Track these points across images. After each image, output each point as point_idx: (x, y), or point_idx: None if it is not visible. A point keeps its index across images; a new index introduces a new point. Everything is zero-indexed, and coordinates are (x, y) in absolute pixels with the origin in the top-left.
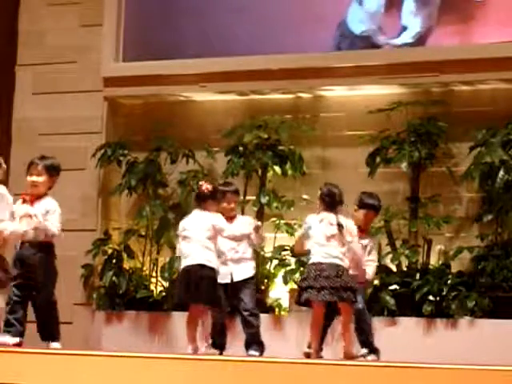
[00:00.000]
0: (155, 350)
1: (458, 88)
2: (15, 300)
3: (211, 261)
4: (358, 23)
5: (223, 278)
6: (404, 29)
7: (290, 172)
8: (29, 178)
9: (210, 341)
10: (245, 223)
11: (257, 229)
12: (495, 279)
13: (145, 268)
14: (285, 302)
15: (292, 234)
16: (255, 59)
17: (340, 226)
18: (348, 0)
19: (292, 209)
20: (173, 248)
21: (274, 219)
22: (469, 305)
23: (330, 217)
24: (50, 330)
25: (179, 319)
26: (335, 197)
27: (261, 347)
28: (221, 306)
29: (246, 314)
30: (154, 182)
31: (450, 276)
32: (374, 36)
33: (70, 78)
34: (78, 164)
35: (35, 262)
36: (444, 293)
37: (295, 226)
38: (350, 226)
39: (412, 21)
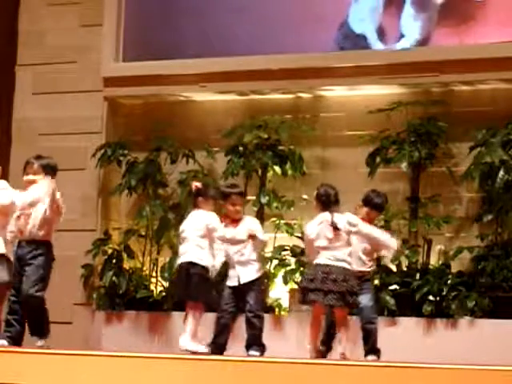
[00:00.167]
0: (155, 350)
1: (458, 88)
2: (13, 300)
3: (202, 259)
4: (359, 22)
5: (232, 281)
6: (402, 36)
7: (290, 172)
8: (25, 178)
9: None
10: (243, 228)
11: (251, 237)
12: (495, 279)
13: (145, 268)
14: (285, 302)
15: (292, 234)
16: (255, 59)
17: (335, 227)
18: (348, 0)
19: (292, 209)
20: (173, 248)
21: (273, 219)
22: (469, 305)
23: (327, 217)
24: (31, 324)
25: (179, 319)
26: (331, 197)
27: (261, 348)
28: (210, 303)
29: (250, 315)
30: (154, 181)
31: (449, 276)
32: (374, 43)
33: (70, 78)
34: (78, 164)
35: (31, 257)
36: (444, 293)
37: (295, 226)
38: (349, 218)
39: (411, 27)
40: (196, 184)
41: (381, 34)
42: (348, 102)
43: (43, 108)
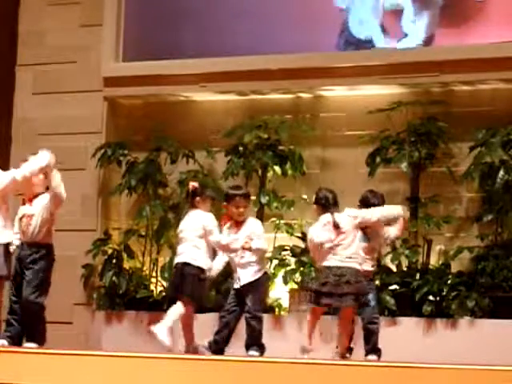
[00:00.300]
0: (155, 350)
1: (458, 88)
2: (14, 300)
3: (197, 259)
4: (359, 25)
5: (235, 283)
6: (404, 36)
7: (290, 172)
8: None
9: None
10: (245, 233)
11: (246, 249)
12: (495, 279)
13: (145, 268)
14: (285, 302)
15: (292, 234)
16: (255, 59)
17: (337, 227)
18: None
19: (292, 209)
20: (172, 248)
21: (273, 219)
22: (469, 305)
23: (329, 218)
24: (28, 330)
25: (179, 319)
26: (329, 199)
27: (261, 348)
28: (200, 304)
29: (248, 316)
30: (154, 182)
31: (449, 276)
32: (376, 43)
33: (70, 78)
34: (78, 164)
35: (29, 262)
36: (444, 293)
37: (295, 226)
38: (348, 212)
39: (413, 27)
40: (193, 184)
41: (382, 35)
42: (348, 102)
43: (43, 108)
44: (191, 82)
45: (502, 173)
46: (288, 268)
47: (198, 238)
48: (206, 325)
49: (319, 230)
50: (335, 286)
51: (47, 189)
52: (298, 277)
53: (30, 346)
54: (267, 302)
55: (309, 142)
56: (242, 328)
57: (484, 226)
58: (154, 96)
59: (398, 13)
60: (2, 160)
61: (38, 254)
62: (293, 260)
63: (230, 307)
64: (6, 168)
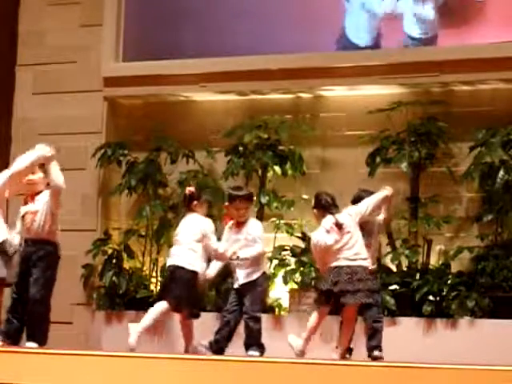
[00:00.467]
0: (155, 350)
1: (458, 88)
2: (15, 298)
3: (192, 263)
4: (356, 31)
5: (235, 283)
6: (405, 36)
7: (290, 172)
8: (25, 179)
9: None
10: (244, 235)
11: (232, 259)
12: (495, 279)
13: (145, 268)
14: (285, 302)
15: (292, 234)
16: (255, 59)
17: (340, 227)
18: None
19: (292, 209)
20: None
21: (273, 219)
22: (469, 305)
23: (332, 219)
24: (30, 329)
25: (179, 319)
26: (329, 200)
27: (261, 348)
28: (187, 309)
29: (245, 316)
30: (154, 181)
31: (449, 276)
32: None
33: (70, 78)
34: (78, 164)
35: (36, 259)
36: (444, 293)
37: (295, 226)
38: (349, 211)
39: (414, 27)
40: (190, 189)
41: (382, 36)
42: (348, 102)
43: (43, 108)
44: (191, 82)
45: (502, 173)
46: (288, 268)
47: (194, 242)
48: (206, 325)
49: (325, 234)
50: (348, 284)
51: (48, 185)
52: (298, 277)
53: (30, 345)
54: (267, 302)
55: (309, 142)
56: (241, 328)
57: (484, 226)
58: (154, 96)
59: (397, 16)
60: (2, 160)
61: (43, 250)
62: (293, 260)
63: (231, 307)
64: (5, 168)
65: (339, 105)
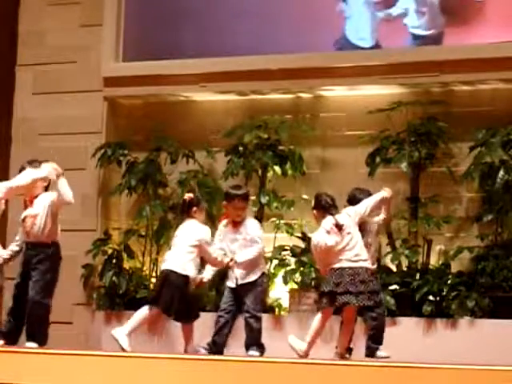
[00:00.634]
0: (155, 350)
1: (458, 88)
2: (16, 299)
3: (184, 268)
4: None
5: (231, 282)
6: (407, 35)
7: (290, 172)
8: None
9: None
10: (242, 235)
11: (229, 266)
12: (495, 279)
13: (145, 268)
14: (285, 302)
15: (292, 234)
16: (255, 59)
17: (340, 228)
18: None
19: (292, 209)
20: None
21: (273, 219)
22: (469, 305)
23: (332, 220)
24: (30, 329)
25: None
26: (329, 200)
27: (261, 348)
28: (176, 313)
29: (246, 315)
30: (154, 181)
31: (449, 276)
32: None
33: (70, 78)
34: (78, 164)
35: (35, 262)
36: (444, 293)
37: (295, 226)
38: (348, 211)
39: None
40: (189, 195)
41: (382, 36)
42: (348, 102)
43: (43, 108)
44: (191, 82)
45: (502, 173)
46: (288, 268)
47: (189, 247)
48: (206, 325)
49: (326, 235)
50: (350, 285)
51: (46, 188)
52: (298, 277)
53: (30, 345)
54: (267, 302)
55: (309, 142)
56: (241, 328)
57: (484, 226)
58: (154, 96)
59: (398, 16)
60: (2, 160)
61: (43, 253)
62: (293, 260)
63: (228, 306)
64: (6, 168)
65: (339, 105)
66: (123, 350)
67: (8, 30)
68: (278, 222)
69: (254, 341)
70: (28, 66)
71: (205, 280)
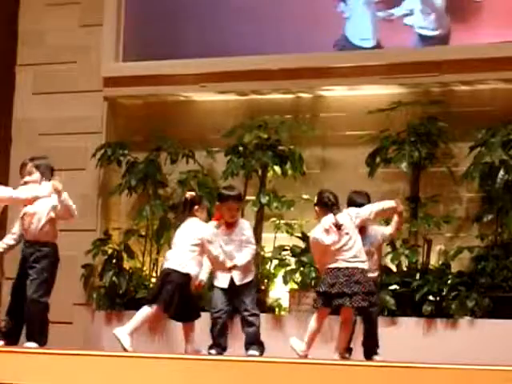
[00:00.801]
0: (155, 350)
1: (457, 88)
2: (14, 298)
3: (185, 266)
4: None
5: (222, 283)
6: (408, 35)
7: (290, 172)
8: (22, 180)
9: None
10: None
11: (230, 269)
12: (495, 279)
13: (145, 268)
14: (285, 302)
15: (292, 234)
16: (255, 59)
17: (339, 227)
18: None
19: (292, 209)
20: None
21: (273, 219)
22: (469, 305)
23: (332, 219)
24: (29, 329)
25: None
26: (331, 198)
27: (261, 347)
28: (175, 312)
29: (246, 314)
30: (154, 181)
31: (449, 276)
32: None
33: (70, 78)
34: (78, 164)
35: (33, 261)
36: (444, 293)
37: (295, 226)
38: (350, 212)
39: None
40: (190, 193)
41: (384, 37)
42: (348, 102)
43: (43, 108)
44: (191, 82)
45: (502, 173)
46: (288, 268)
47: (191, 246)
48: (206, 325)
49: (324, 233)
50: (345, 286)
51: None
52: (298, 277)
53: (30, 345)
54: (267, 302)
55: (309, 142)
56: (240, 328)
57: (484, 226)
58: (153, 96)
59: (399, 18)
60: (2, 160)
61: (40, 252)
62: (293, 260)
63: (225, 306)
64: (6, 168)
65: (339, 105)
66: (125, 349)
67: (8, 29)
68: (277, 222)
69: (254, 339)
70: (28, 65)
71: (202, 283)
